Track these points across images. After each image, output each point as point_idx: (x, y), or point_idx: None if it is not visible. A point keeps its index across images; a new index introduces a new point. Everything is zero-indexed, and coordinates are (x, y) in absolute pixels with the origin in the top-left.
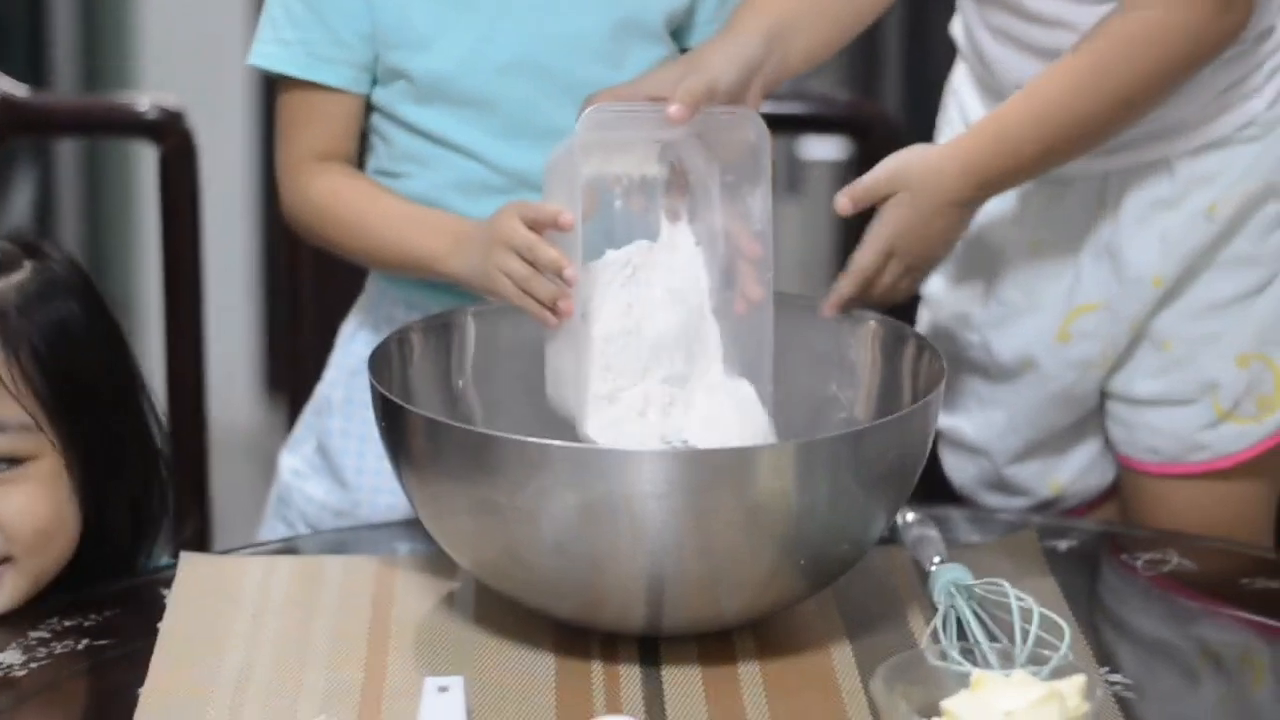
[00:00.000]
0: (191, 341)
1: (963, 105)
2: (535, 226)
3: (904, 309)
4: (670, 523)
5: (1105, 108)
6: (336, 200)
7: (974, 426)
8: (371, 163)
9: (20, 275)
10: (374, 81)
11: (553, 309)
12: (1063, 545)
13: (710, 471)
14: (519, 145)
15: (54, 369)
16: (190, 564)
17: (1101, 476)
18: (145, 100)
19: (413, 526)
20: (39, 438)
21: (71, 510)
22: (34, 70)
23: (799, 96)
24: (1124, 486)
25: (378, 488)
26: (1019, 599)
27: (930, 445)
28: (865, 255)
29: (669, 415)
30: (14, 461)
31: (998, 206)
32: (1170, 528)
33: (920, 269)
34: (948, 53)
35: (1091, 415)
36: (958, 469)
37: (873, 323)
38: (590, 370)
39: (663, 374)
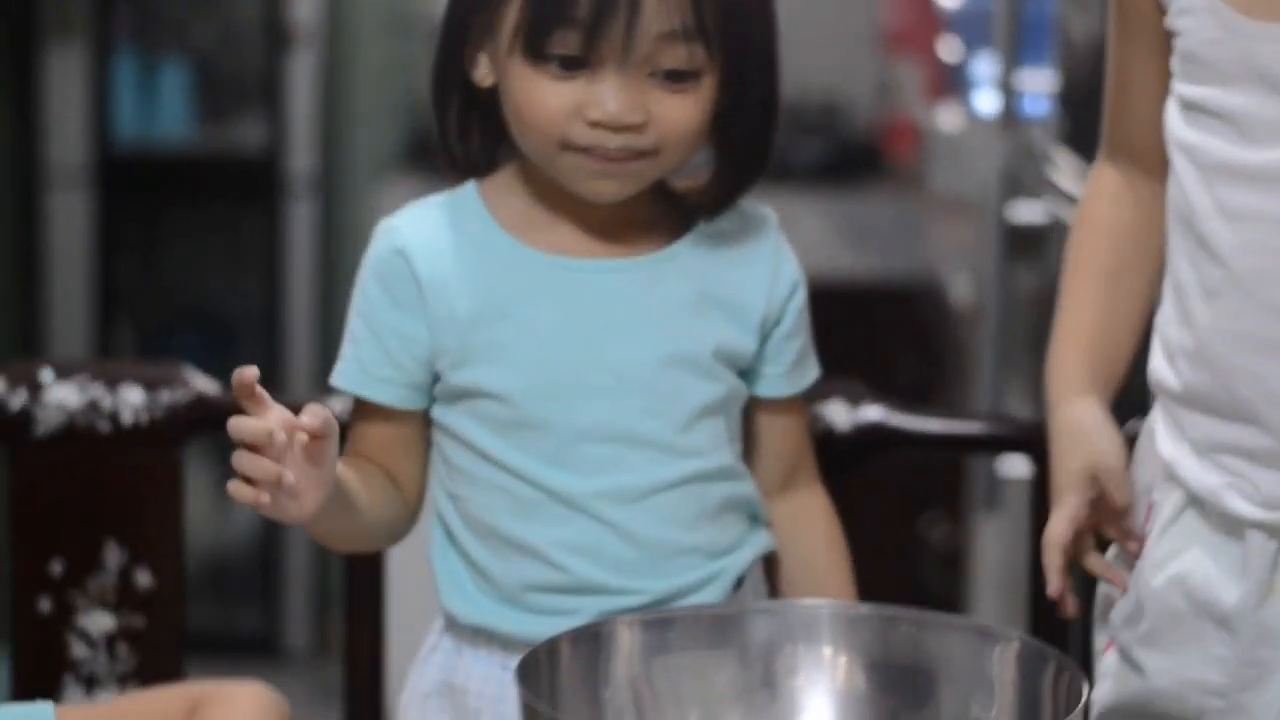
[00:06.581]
0: None
1: (1156, 445)
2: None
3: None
4: None
5: None
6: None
7: None
8: (434, 483)
9: None
10: (432, 400)
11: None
12: None
13: None
14: (568, 470)
15: None
16: None
17: None
18: None
19: None
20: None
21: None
22: None
23: (976, 416)
24: None
25: None
26: None
27: None
28: None
29: None
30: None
31: (1213, 568)
32: None
33: None
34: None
35: None
36: None
37: (1016, 642)
38: None
39: None
